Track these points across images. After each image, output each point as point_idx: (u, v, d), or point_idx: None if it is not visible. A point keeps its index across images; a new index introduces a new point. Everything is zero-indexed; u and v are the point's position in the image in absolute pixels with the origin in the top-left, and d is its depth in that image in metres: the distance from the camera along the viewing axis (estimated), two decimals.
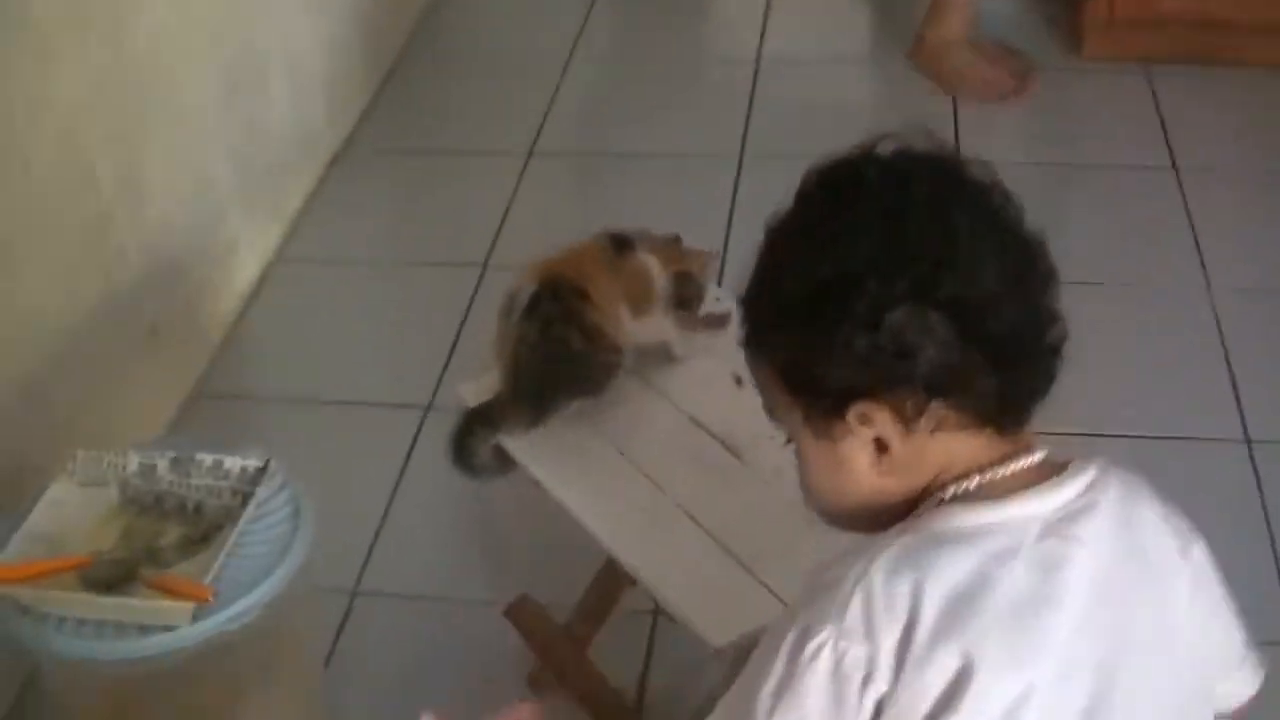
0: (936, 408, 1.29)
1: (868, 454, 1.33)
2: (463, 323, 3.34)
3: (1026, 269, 1.31)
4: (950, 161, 1.33)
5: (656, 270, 2.30)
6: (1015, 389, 1.32)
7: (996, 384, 1.29)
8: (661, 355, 2.31)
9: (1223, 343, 3.20)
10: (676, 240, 2.39)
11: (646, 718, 2.44)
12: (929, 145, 1.34)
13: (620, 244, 2.30)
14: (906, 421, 1.29)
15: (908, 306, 1.25)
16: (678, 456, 2.20)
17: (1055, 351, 1.33)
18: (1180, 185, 3.70)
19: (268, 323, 3.44)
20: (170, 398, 3.16)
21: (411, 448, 3.04)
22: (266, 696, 2.33)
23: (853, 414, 1.31)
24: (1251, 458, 2.92)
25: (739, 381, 2.31)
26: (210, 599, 2.02)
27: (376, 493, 2.96)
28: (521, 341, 2.23)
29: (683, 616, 1.95)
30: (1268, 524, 2.76)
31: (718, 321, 2.33)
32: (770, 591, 1.97)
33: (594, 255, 2.28)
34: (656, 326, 2.28)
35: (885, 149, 1.33)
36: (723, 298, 2.40)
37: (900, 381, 1.28)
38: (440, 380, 3.16)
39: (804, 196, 1.35)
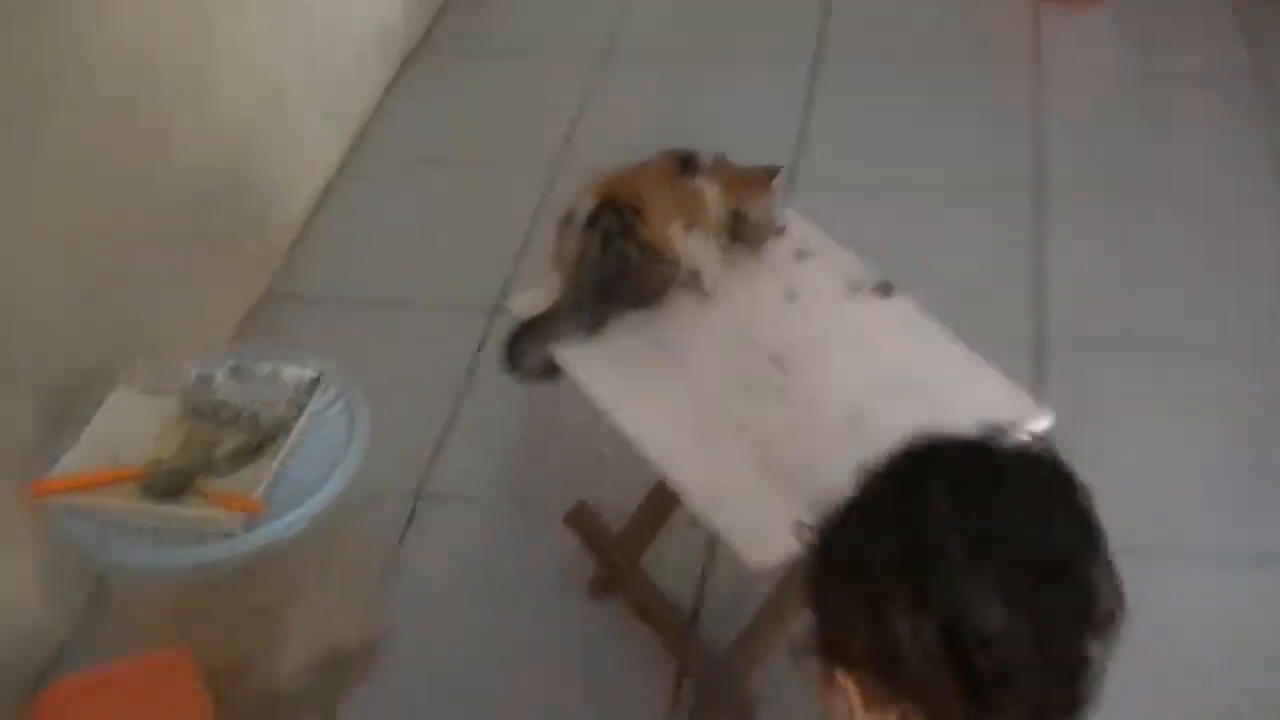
0: (905, 705, 1.22)
1: (844, 712, 1.28)
2: (531, 225, 3.33)
3: (1055, 615, 1.19)
4: (1024, 484, 1.27)
5: (714, 199, 2.27)
6: None
7: (972, 713, 1.20)
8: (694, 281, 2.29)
9: None
10: (762, 175, 2.35)
11: (700, 630, 2.45)
12: (1023, 460, 1.31)
13: (686, 164, 2.28)
14: (871, 702, 1.25)
15: (909, 611, 1.18)
16: (729, 372, 2.19)
17: (1073, 706, 1.22)
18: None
19: (337, 225, 3.46)
20: (240, 302, 3.19)
21: (479, 350, 3.05)
22: (324, 598, 2.37)
23: (838, 671, 1.26)
24: None
25: (792, 296, 2.30)
26: (260, 510, 2.04)
27: (442, 396, 2.98)
28: (582, 254, 2.22)
29: (724, 534, 1.95)
30: None
31: (883, 290, 2.30)
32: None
33: (657, 172, 2.26)
34: (697, 252, 2.24)
35: (974, 444, 1.32)
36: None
37: (880, 669, 1.22)
38: (508, 283, 3.16)
39: (883, 471, 1.34)
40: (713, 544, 2.51)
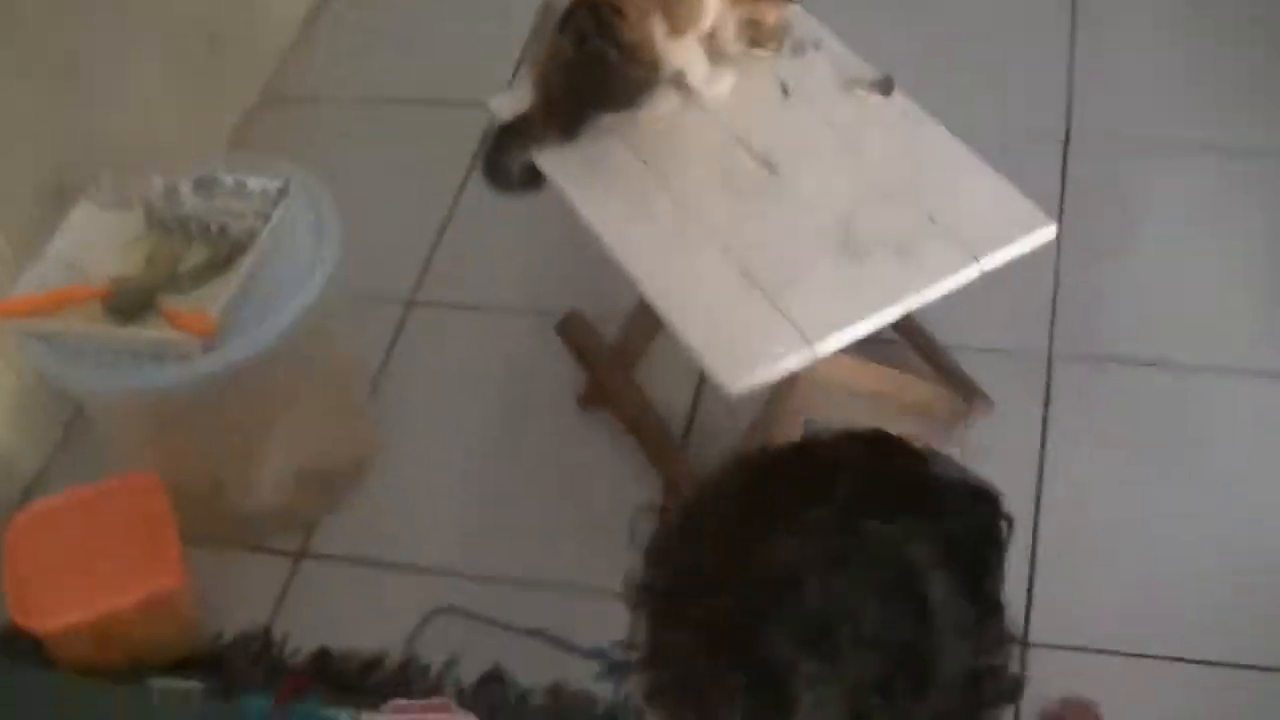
0: None
1: None
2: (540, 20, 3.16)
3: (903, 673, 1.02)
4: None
5: (715, 3, 2.10)
6: None
7: None
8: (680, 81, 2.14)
9: None
10: None
11: (691, 446, 2.37)
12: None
13: None
14: None
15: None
16: (712, 176, 2.07)
17: None
18: None
19: (336, 22, 3.31)
20: (234, 106, 3.08)
21: (479, 149, 2.92)
22: (308, 414, 2.31)
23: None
24: None
25: (785, 91, 2.16)
26: (213, 332, 1.97)
27: (440, 198, 2.87)
28: (555, 55, 2.09)
29: (698, 355, 1.85)
30: None
31: (882, 87, 2.14)
32: (793, 325, 1.84)
33: None
34: (680, 52, 2.09)
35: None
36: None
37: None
38: (514, 75, 3.01)
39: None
40: None
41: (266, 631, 2.23)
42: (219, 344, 2.01)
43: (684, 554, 1.08)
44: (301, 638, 2.22)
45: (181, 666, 2.18)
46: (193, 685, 2.16)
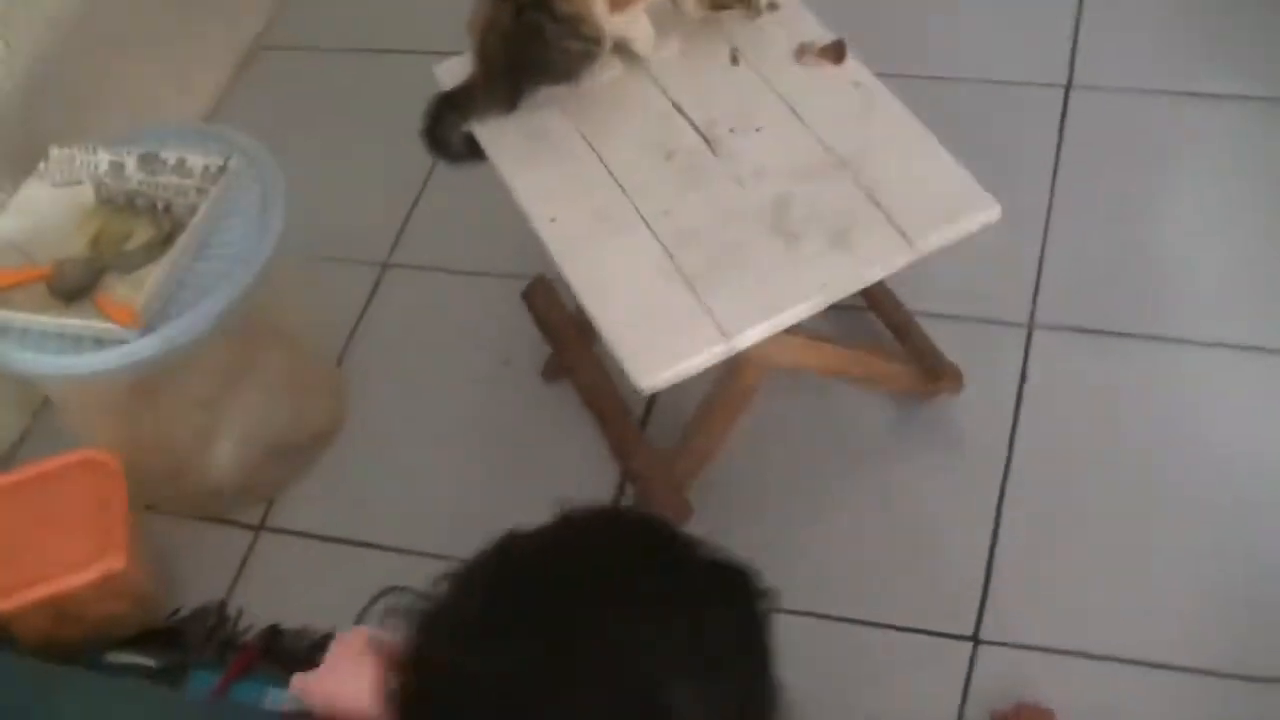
0: None
1: None
2: None
3: None
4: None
5: None
6: None
7: None
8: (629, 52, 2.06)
9: None
10: None
11: (652, 423, 2.32)
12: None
13: None
14: None
15: None
16: (651, 152, 1.99)
17: None
18: None
19: None
20: (226, 57, 3.05)
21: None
22: (263, 385, 2.30)
23: None
24: None
25: (735, 59, 2.07)
26: (138, 323, 1.95)
27: (420, 158, 2.81)
28: (493, 25, 2.02)
29: (614, 348, 1.79)
30: None
31: (834, 53, 2.05)
32: (711, 318, 1.78)
33: None
34: (624, 24, 2.01)
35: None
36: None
37: None
38: None
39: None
40: None
41: (222, 606, 2.24)
42: (154, 327, 1.99)
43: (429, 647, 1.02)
44: (257, 613, 2.22)
45: (138, 641, 2.19)
46: (146, 661, 2.18)
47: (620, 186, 1.95)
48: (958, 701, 1.96)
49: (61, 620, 2.14)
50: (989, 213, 1.84)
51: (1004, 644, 2.01)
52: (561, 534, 1.06)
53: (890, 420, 2.24)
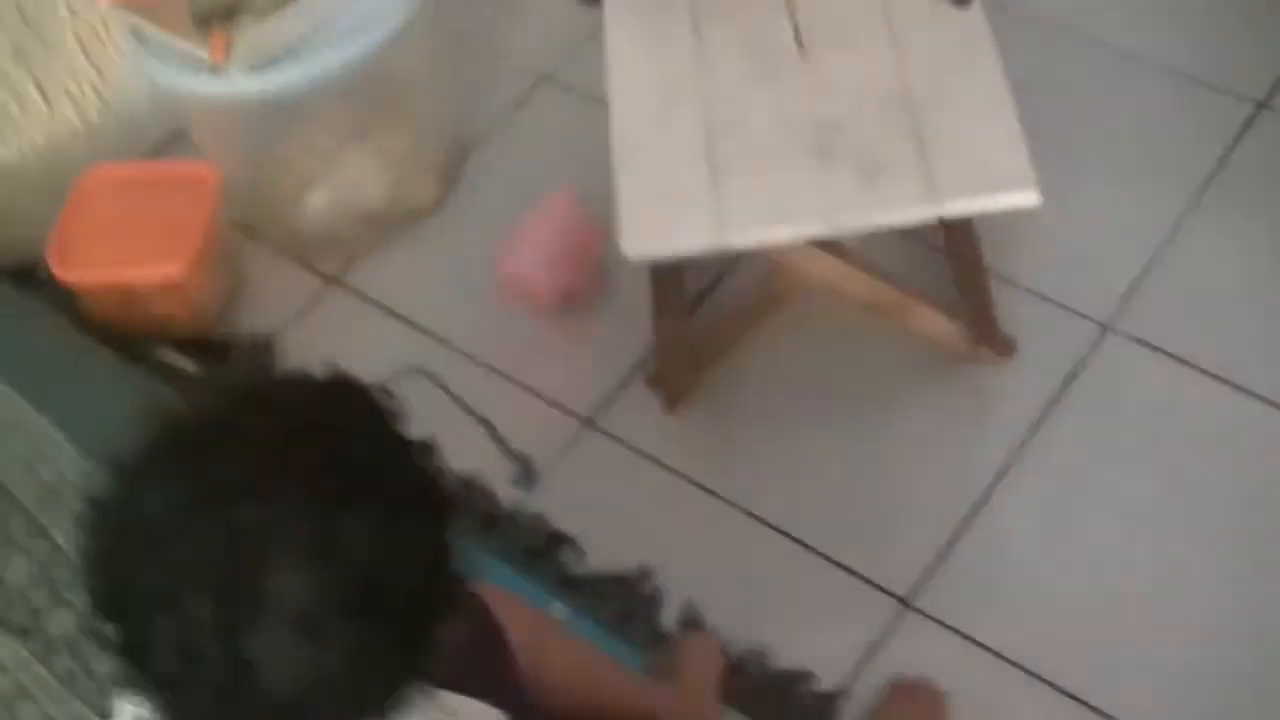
0: None
1: None
2: None
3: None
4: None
5: None
6: None
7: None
8: None
9: None
10: None
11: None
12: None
13: None
14: None
15: None
16: (744, 38, 2.00)
17: None
18: None
19: None
20: None
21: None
22: (378, 147, 2.42)
23: None
24: None
25: None
26: (220, 59, 2.07)
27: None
28: None
29: (620, 210, 1.83)
30: None
31: None
32: (716, 211, 1.81)
33: None
34: None
35: None
36: None
37: None
38: None
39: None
40: None
41: (270, 341, 2.40)
42: (259, 68, 2.12)
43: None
44: (297, 355, 2.37)
45: (188, 346, 2.38)
46: (188, 365, 2.37)
47: (699, 62, 1.97)
48: (859, 656, 1.97)
49: (126, 308, 2.35)
50: (1025, 197, 1.79)
51: (932, 618, 2.00)
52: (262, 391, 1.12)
53: (923, 367, 2.21)
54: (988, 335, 2.18)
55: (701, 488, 2.15)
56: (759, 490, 2.14)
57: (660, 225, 1.81)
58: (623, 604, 2.04)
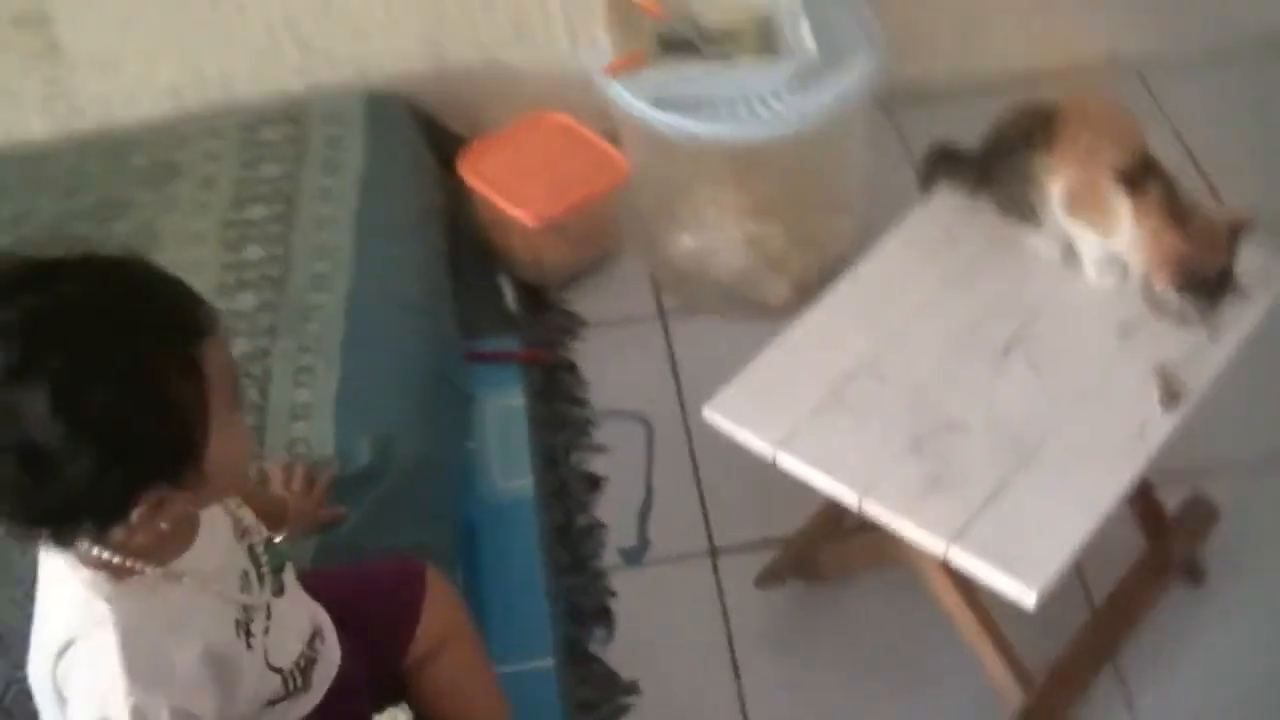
0: None
1: None
2: None
3: None
4: None
5: (1125, 222, 1.95)
6: None
7: None
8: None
9: None
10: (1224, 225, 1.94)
11: None
12: None
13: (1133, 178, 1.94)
14: None
15: None
16: (966, 319, 2.00)
17: None
18: None
19: None
20: None
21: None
22: (765, 228, 2.63)
23: None
24: None
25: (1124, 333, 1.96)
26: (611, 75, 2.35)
27: None
28: (1013, 123, 2.07)
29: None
30: None
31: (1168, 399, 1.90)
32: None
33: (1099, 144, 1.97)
34: (1071, 227, 2.00)
35: None
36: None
37: None
38: None
39: None
40: None
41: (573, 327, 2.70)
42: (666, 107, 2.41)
43: None
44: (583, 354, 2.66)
45: (525, 286, 2.74)
46: (511, 297, 2.73)
47: (916, 310, 2.01)
48: None
49: (491, 227, 2.74)
50: (1025, 595, 1.71)
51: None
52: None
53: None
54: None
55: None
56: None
57: (745, 408, 1.90)
58: None
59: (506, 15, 2.83)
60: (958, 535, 1.75)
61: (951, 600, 2.02)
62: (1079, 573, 2.25)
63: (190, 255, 2.47)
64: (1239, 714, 2.09)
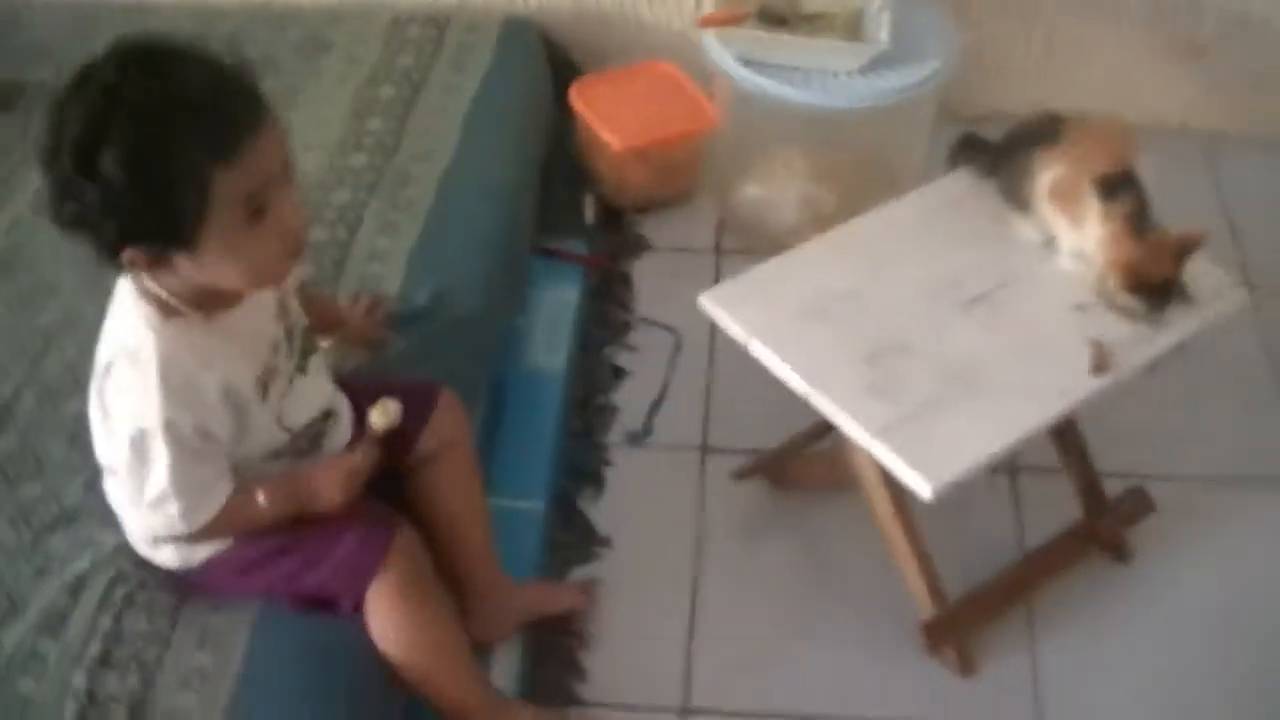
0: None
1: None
2: None
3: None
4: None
5: (1092, 223, 2.21)
6: None
7: None
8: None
9: None
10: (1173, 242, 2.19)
11: None
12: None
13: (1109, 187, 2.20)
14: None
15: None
16: (950, 275, 2.29)
17: None
18: None
19: None
20: None
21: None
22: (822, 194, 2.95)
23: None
24: None
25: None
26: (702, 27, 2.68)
27: None
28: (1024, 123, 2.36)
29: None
30: None
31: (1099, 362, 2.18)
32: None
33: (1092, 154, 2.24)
34: (1053, 220, 2.27)
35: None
36: None
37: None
38: None
39: None
40: None
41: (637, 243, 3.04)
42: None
43: None
44: (639, 282, 2.99)
45: (599, 205, 3.09)
46: (584, 218, 3.08)
47: (893, 264, 2.30)
48: None
49: (587, 147, 3.09)
50: (922, 488, 2.00)
51: None
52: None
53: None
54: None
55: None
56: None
57: (734, 301, 2.22)
58: None
59: None
60: (882, 432, 2.04)
61: (884, 513, 2.30)
62: (1020, 534, 2.52)
63: (321, 114, 2.86)
64: (1124, 681, 2.33)
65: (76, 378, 2.22)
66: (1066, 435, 2.45)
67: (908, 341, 2.17)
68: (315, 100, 2.91)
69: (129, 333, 1.78)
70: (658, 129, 2.98)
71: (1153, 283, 2.17)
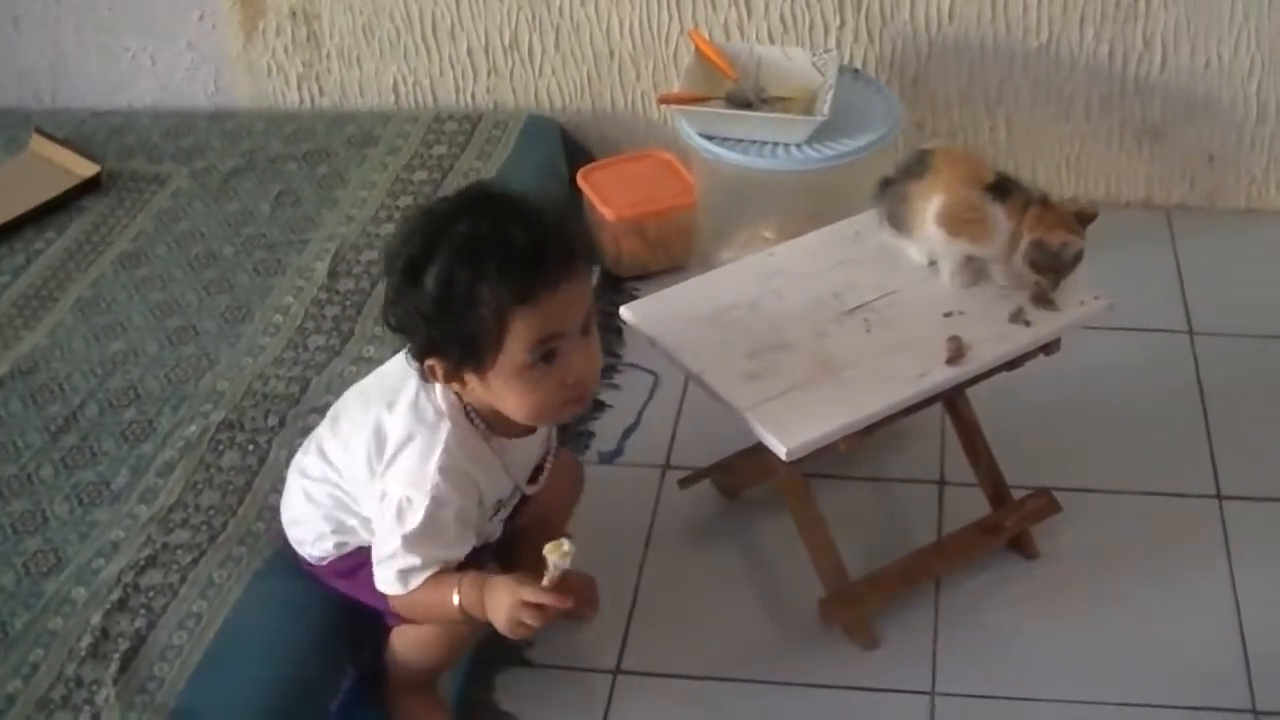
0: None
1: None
2: None
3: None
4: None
5: (1000, 222, 2.49)
6: None
7: None
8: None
9: None
10: (1073, 213, 2.50)
11: None
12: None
13: (1000, 189, 2.50)
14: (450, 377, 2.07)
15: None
16: (818, 309, 2.65)
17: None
18: None
19: None
20: None
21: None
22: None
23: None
24: None
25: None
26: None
27: None
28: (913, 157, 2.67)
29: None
30: None
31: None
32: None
33: (966, 172, 2.54)
34: (939, 245, 2.55)
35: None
36: None
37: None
38: None
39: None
40: None
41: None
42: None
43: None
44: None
45: (606, 274, 3.50)
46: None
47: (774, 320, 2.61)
48: None
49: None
50: (778, 448, 2.34)
51: None
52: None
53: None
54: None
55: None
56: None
57: (648, 312, 2.61)
58: None
59: (647, 79, 3.68)
60: (754, 406, 2.37)
61: (795, 503, 2.63)
62: (938, 537, 2.82)
63: (361, 194, 3.38)
64: (1019, 669, 2.56)
65: (135, 395, 2.80)
66: (975, 443, 2.76)
67: (790, 341, 2.50)
68: (359, 182, 3.43)
69: (429, 419, 2.06)
70: (647, 204, 3.42)
71: (1067, 253, 2.47)
